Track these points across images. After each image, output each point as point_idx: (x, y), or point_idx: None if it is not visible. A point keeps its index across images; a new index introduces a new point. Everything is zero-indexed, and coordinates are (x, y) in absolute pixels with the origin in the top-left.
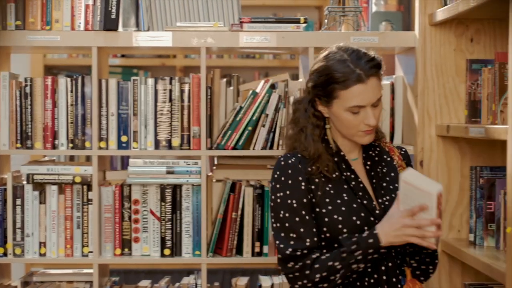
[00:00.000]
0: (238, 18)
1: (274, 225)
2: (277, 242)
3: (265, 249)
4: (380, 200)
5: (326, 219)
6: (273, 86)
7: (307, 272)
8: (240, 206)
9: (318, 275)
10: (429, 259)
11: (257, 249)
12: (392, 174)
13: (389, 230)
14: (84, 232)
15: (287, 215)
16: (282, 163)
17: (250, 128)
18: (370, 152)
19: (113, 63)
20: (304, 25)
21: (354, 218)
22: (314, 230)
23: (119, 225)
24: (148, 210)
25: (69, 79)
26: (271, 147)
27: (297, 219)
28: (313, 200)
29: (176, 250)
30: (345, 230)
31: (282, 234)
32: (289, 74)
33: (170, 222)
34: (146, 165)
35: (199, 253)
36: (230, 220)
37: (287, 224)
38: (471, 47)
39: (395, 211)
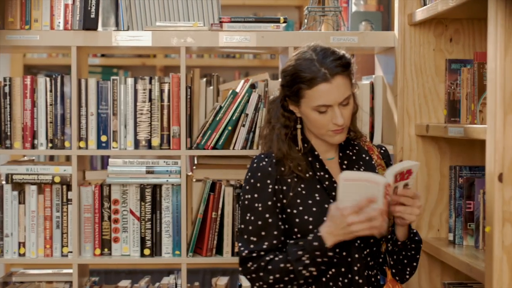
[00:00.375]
0: (218, 18)
1: (239, 225)
2: (239, 243)
3: None
4: None
5: (297, 220)
6: (253, 86)
7: (261, 274)
8: (220, 205)
9: (271, 277)
10: (407, 260)
11: (237, 249)
12: None
13: (335, 230)
14: (64, 232)
15: (252, 218)
16: (254, 165)
17: (230, 127)
18: (348, 151)
19: (93, 63)
20: (284, 24)
21: (325, 218)
22: (276, 233)
23: (99, 225)
24: (128, 210)
25: (48, 79)
26: (251, 147)
27: (259, 222)
28: (284, 201)
29: (156, 250)
30: (315, 231)
31: (245, 236)
32: (269, 74)
33: (150, 222)
34: (125, 165)
35: (179, 253)
36: (210, 219)
37: (250, 227)
38: (450, 47)
39: (335, 210)
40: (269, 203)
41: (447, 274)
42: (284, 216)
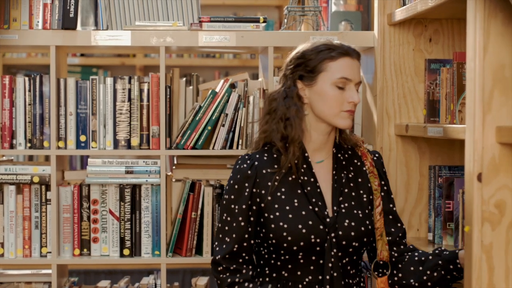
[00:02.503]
0: (197, 18)
1: (218, 224)
2: (215, 242)
3: None
4: (335, 208)
5: (272, 226)
6: (232, 86)
7: None
8: (200, 205)
9: None
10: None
11: None
12: (360, 180)
13: None
14: (43, 233)
15: (228, 219)
16: (237, 166)
17: (209, 127)
18: (339, 155)
19: (73, 62)
20: (264, 24)
21: (300, 226)
22: (247, 236)
23: (78, 225)
24: (107, 210)
25: (27, 78)
26: (230, 147)
27: (234, 224)
28: (262, 205)
29: (135, 250)
30: (289, 238)
31: (220, 236)
32: (249, 74)
33: (129, 222)
34: (105, 165)
35: (158, 253)
36: (189, 220)
37: (226, 228)
38: (429, 47)
39: None
40: (244, 206)
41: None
42: (262, 220)
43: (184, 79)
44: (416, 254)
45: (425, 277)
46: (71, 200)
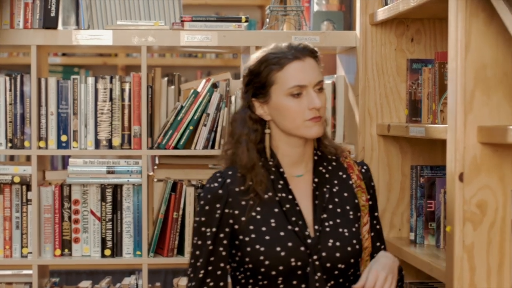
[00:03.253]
0: (179, 17)
1: (190, 248)
2: (188, 269)
3: None
4: (317, 227)
5: (248, 249)
6: (214, 85)
7: None
8: (181, 206)
9: None
10: None
11: None
12: (345, 195)
13: None
14: (24, 233)
15: (199, 242)
16: (207, 185)
17: (191, 127)
18: (321, 168)
19: (54, 62)
20: (246, 24)
21: (278, 249)
22: (218, 261)
23: (59, 225)
24: (89, 210)
25: (7, 78)
26: (212, 147)
27: (202, 248)
28: (236, 226)
29: (116, 251)
30: (267, 263)
31: (192, 261)
32: (231, 74)
33: (110, 222)
34: (86, 165)
35: (140, 253)
36: (171, 220)
37: (197, 252)
38: (411, 47)
39: None
40: (214, 229)
41: (409, 274)
42: (237, 242)
43: (166, 78)
44: None
45: None
46: (52, 200)
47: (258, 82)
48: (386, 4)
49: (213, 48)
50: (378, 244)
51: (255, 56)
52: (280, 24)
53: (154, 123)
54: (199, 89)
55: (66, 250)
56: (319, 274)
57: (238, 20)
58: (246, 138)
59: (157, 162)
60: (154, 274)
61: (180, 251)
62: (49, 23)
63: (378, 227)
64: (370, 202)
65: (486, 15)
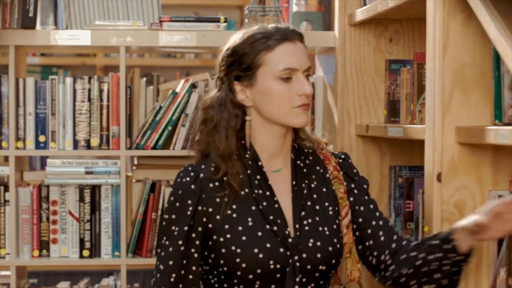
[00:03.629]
0: (158, 17)
1: (157, 249)
2: (154, 271)
3: None
4: (297, 226)
5: (223, 250)
6: (193, 86)
7: None
8: (160, 206)
9: None
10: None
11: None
12: (324, 190)
13: None
14: (1, 234)
15: (167, 243)
16: (178, 179)
17: (170, 128)
18: (299, 162)
19: (33, 62)
20: (225, 24)
21: (256, 250)
22: (189, 263)
23: (37, 226)
24: (67, 211)
25: None
26: (191, 147)
27: (171, 249)
28: (210, 225)
29: (95, 251)
30: (244, 265)
31: (157, 263)
32: (210, 74)
33: (89, 223)
34: (64, 166)
35: (118, 254)
36: (150, 220)
37: (162, 253)
38: (390, 48)
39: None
40: (185, 228)
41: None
42: (210, 243)
43: (145, 79)
44: (412, 244)
45: (418, 262)
46: (30, 201)
47: (244, 63)
48: (365, 5)
49: (192, 48)
50: (395, 237)
51: (238, 36)
52: (259, 25)
53: (133, 124)
54: (177, 90)
55: (44, 251)
56: (299, 276)
57: (217, 20)
58: (225, 124)
59: (135, 162)
60: (133, 274)
61: None
62: (27, 23)
63: (381, 223)
64: (356, 191)
65: (464, 16)
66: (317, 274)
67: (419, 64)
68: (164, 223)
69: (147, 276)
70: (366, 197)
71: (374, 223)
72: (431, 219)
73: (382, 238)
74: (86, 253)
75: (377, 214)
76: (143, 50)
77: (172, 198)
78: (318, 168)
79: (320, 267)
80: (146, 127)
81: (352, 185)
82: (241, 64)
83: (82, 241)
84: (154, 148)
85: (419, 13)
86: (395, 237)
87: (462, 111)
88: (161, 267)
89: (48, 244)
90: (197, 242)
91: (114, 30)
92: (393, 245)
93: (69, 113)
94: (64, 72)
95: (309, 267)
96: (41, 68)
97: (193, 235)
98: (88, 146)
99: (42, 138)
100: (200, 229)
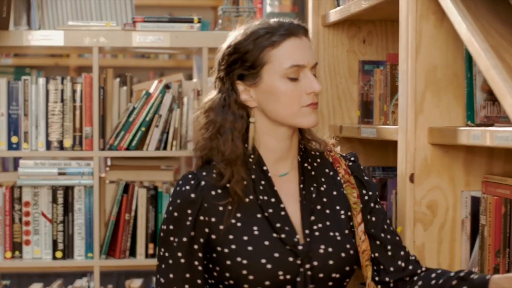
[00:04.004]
0: (131, 18)
1: (157, 262)
2: (156, 285)
3: None
4: (307, 231)
5: (228, 262)
6: (167, 87)
7: None
8: (134, 207)
9: None
10: None
11: (150, 251)
12: (334, 193)
13: None
14: None
15: (166, 254)
16: (177, 188)
17: (143, 128)
18: (306, 165)
19: (6, 63)
20: (198, 25)
21: (264, 261)
22: (188, 275)
23: (10, 227)
24: (40, 212)
25: None
26: (164, 148)
27: (170, 261)
28: (213, 236)
29: (68, 253)
30: (251, 277)
31: (157, 276)
32: (185, 75)
33: (62, 224)
34: (37, 167)
35: (91, 256)
36: (123, 221)
37: (162, 266)
38: (363, 48)
39: None
40: (184, 239)
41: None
42: (214, 255)
43: (118, 79)
44: (434, 274)
45: None
46: (2, 202)
47: (248, 60)
48: (338, 6)
49: (166, 49)
50: (402, 253)
51: (239, 32)
52: (233, 25)
53: (106, 124)
54: (151, 90)
55: (17, 253)
56: (311, 286)
57: (190, 21)
58: (231, 126)
59: (109, 163)
60: (106, 276)
61: (132, 253)
62: (0, 24)
63: (389, 236)
64: (366, 198)
65: (436, 17)
66: (330, 283)
67: (392, 65)
68: (162, 234)
69: (120, 277)
70: (376, 206)
71: (383, 235)
72: (404, 219)
73: (390, 253)
74: (59, 254)
75: (386, 226)
76: (116, 50)
77: (170, 208)
78: (327, 170)
79: (333, 275)
80: (119, 128)
81: (364, 191)
82: (244, 62)
83: (55, 243)
84: (127, 149)
85: (392, 14)
86: (402, 252)
87: (435, 112)
88: (162, 280)
89: (21, 245)
90: (200, 254)
91: (87, 30)
92: (399, 262)
93: (42, 113)
94: (37, 72)
95: (321, 275)
96: (14, 69)
97: (195, 246)
98: (61, 147)
99: (14, 139)
100: (202, 240)
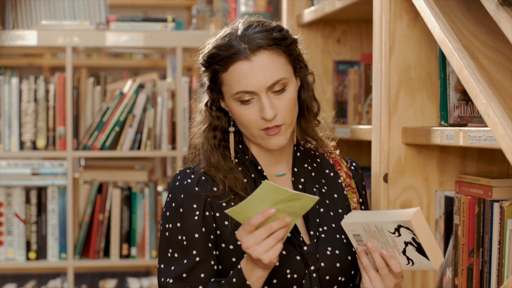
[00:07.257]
0: (105, 17)
1: (159, 265)
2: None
3: (133, 251)
4: (312, 232)
5: (234, 259)
6: (141, 86)
7: None
8: (108, 208)
9: None
10: None
11: (125, 251)
12: (335, 196)
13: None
14: None
15: (175, 255)
16: (177, 183)
17: (117, 128)
18: (306, 165)
19: None
20: (172, 24)
21: None
22: (203, 276)
23: None
24: (13, 212)
25: None
26: (138, 148)
27: (185, 261)
28: (218, 232)
29: (41, 253)
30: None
31: (168, 280)
32: (158, 74)
33: (35, 225)
34: (10, 167)
35: (65, 256)
36: (97, 222)
37: (172, 268)
38: (338, 48)
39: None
40: (196, 235)
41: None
42: (218, 252)
43: (92, 79)
44: None
45: None
46: None
47: (209, 79)
48: (313, 5)
49: (140, 48)
50: None
51: (207, 45)
52: (207, 25)
53: (80, 124)
54: (125, 90)
55: None
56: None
57: (164, 20)
58: (207, 136)
59: (83, 163)
60: (80, 277)
61: (106, 254)
62: None
63: None
64: (363, 207)
65: (410, 17)
66: (335, 287)
67: (366, 65)
68: (167, 233)
69: (94, 278)
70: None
71: None
72: None
73: None
74: (32, 255)
75: None
76: (90, 50)
77: (173, 204)
78: (327, 171)
79: (339, 278)
80: (93, 128)
81: (361, 200)
82: (207, 76)
83: (28, 243)
84: (101, 149)
85: (366, 14)
86: None
87: (408, 112)
88: (176, 283)
89: None
90: (215, 253)
91: (61, 30)
92: None
93: (14, 113)
94: (11, 72)
95: (327, 277)
96: None
97: (209, 244)
98: (34, 147)
99: None
100: (212, 237)
